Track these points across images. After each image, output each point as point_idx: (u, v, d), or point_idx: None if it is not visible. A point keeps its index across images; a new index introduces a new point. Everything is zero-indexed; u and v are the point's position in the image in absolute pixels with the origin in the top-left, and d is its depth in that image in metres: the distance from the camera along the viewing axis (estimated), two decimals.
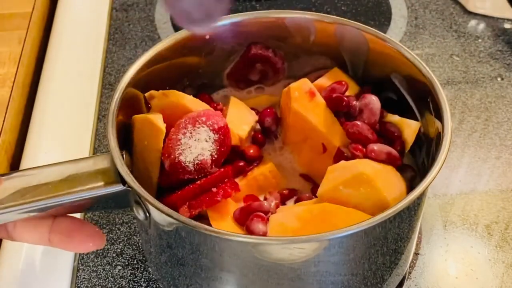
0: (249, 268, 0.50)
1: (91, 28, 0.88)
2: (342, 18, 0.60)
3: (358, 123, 0.56)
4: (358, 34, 0.59)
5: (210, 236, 0.47)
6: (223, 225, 0.52)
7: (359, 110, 0.58)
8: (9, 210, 0.49)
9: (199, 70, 0.63)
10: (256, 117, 0.61)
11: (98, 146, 0.73)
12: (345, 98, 0.57)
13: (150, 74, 0.58)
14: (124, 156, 0.53)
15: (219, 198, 0.51)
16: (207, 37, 0.60)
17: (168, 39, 0.59)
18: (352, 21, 0.60)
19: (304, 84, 0.58)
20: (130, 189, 0.49)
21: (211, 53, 0.62)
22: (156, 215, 0.49)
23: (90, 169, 0.51)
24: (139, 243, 0.63)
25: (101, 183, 0.50)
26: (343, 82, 0.59)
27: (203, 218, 0.52)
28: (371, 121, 0.57)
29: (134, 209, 0.51)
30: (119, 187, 0.50)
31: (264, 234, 0.51)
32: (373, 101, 0.57)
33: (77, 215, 0.66)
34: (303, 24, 0.61)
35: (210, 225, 0.51)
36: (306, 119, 0.57)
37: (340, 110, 0.57)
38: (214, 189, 0.52)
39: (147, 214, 0.50)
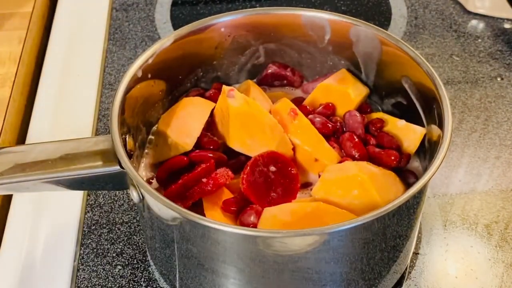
0: (230, 257, 0.51)
1: (91, 28, 0.88)
2: (358, 19, 0.60)
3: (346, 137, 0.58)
4: (372, 35, 0.60)
5: (192, 222, 0.48)
6: (215, 214, 0.53)
7: (343, 127, 0.60)
8: (8, 181, 0.52)
9: (213, 62, 0.63)
10: (271, 104, 0.61)
11: None
12: (329, 125, 0.59)
13: (162, 62, 0.59)
14: (127, 139, 0.54)
15: (209, 188, 0.53)
16: (223, 29, 0.60)
17: (182, 30, 0.60)
18: (367, 23, 0.60)
19: (285, 105, 0.59)
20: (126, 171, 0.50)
21: (225, 46, 0.62)
22: (149, 198, 0.50)
23: (90, 148, 0.53)
24: (139, 243, 0.64)
25: (100, 163, 0.52)
26: (330, 105, 0.61)
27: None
28: (357, 133, 0.58)
29: (130, 191, 0.52)
30: (116, 168, 0.51)
31: (254, 225, 0.52)
32: (355, 117, 0.59)
33: (80, 199, 0.66)
34: (319, 22, 0.61)
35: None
36: (291, 141, 0.58)
37: (327, 134, 0.59)
38: (204, 180, 0.53)
39: (141, 197, 0.51)
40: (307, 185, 0.57)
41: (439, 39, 0.84)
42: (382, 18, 0.88)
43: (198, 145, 0.58)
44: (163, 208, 0.49)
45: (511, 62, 0.81)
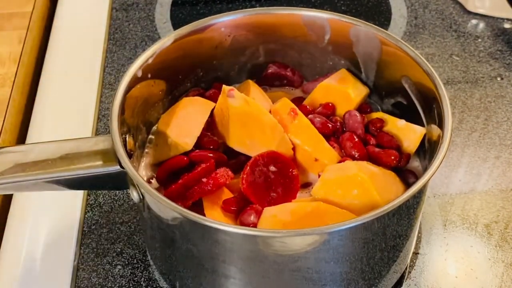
0: (229, 257, 0.51)
1: (91, 28, 0.88)
2: (358, 19, 0.60)
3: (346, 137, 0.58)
4: (372, 35, 0.60)
5: (192, 222, 0.48)
6: (215, 214, 0.53)
7: (343, 127, 0.60)
8: (8, 181, 0.52)
9: (213, 62, 0.63)
10: (271, 104, 0.61)
11: None
12: (329, 125, 0.59)
13: (162, 62, 0.59)
14: (127, 139, 0.54)
15: (209, 188, 0.53)
16: (223, 29, 0.61)
17: (182, 30, 0.60)
18: (367, 23, 0.60)
19: (285, 105, 0.59)
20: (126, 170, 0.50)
21: (226, 46, 0.62)
22: (149, 198, 0.50)
23: (90, 148, 0.53)
24: (139, 243, 0.64)
25: (100, 163, 0.52)
26: (330, 105, 0.61)
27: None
28: (357, 133, 0.58)
29: (130, 191, 0.52)
30: (116, 168, 0.51)
31: (254, 225, 0.52)
32: (355, 117, 0.59)
33: (80, 199, 0.66)
34: (319, 22, 0.61)
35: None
36: (291, 141, 0.57)
37: (327, 133, 0.58)
38: (204, 180, 0.53)
39: (141, 197, 0.51)
40: (307, 185, 0.57)
41: (439, 39, 0.84)
42: (382, 18, 0.88)
43: (198, 145, 0.58)
44: (163, 208, 0.49)
45: (511, 62, 0.81)
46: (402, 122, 0.59)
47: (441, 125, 0.53)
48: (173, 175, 0.56)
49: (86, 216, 0.66)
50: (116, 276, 0.61)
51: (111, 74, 0.81)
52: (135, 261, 0.62)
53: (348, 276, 0.52)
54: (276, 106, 0.60)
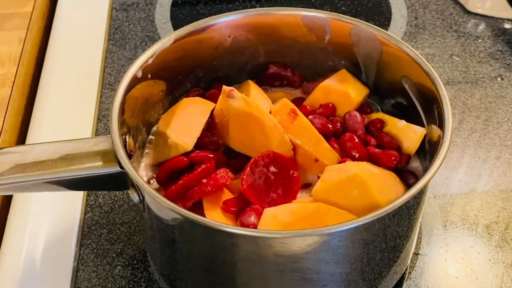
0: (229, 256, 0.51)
1: (91, 28, 0.88)
2: (358, 19, 0.60)
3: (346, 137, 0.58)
4: (372, 36, 0.60)
5: (192, 222, 0.48)
6: (216, 214, 0.53)
7: (343, 128, 0.60)
8: (9, 182, 0.52)
9: (213, 62, 0.63)
10: (271, 105, 0.61)
11: None
12: (329, 126, 0.59)
13: (162, 62, 0.59)
14: (127, 140, 0.54)
15: (209, 188, 0.53)
16: (223, 30, 0.61)
17: (182, 30, 0.60)
18: (367, 23, 0.60)
19: (285, 105, 0.59)
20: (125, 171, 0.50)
21: (226, 46, 0.62)
22: (149, 199, 0.50)
23: (90, 149, 0.53)
24: (139, 243, 0.64)
25: (100, 163, 0.52)
26: (330, 105, 0.61)
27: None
28: (357, 134, 0.58)
29: (130, 191, 0.52)
30: (116, 169, 0.52)
31: (254, 226, 0.52)
32: (355, 118, 0.59)
33: (80, 199, 0.66)
34: (319, 22, 0.61)
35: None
36: (292, 142, 0.57)
37: (327, 134, 0.58)
38: (204, 180, 0.53)
39: (141, 198, 0.51)
40: (307, 185, 0.57)
41: (439, 39, 0.84)
42: (382, 18, 0.88)
43: (198, 145, 0.58)
44: (163, 209, 0.49)
45: (511, 63, 0.81)
46: (402, 122, 0.59)
47: (441, 125, 0.53)
48: (173, 175, 0.56)
49: (86, 216, 0.66)
50: (116, 277, 0.61)
51: (111, 74, 0.81)
52: (135, 262, 0.62)
53: (348, 277, 0.52)
54: (276, 106, 0.59)
